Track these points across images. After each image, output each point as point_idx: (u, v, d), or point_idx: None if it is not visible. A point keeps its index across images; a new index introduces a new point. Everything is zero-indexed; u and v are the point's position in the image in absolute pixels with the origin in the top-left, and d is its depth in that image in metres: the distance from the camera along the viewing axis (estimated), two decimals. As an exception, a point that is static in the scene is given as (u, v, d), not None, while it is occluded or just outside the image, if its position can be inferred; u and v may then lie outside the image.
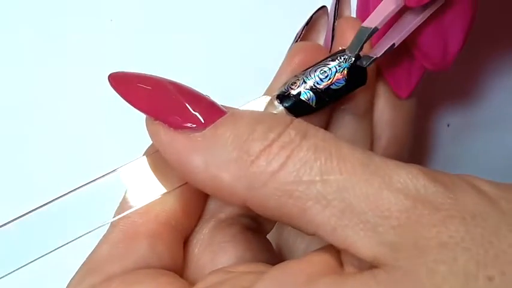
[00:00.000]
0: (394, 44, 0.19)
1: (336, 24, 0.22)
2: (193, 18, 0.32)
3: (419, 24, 0.19)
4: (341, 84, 0.19)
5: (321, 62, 0.19)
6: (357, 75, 0.19)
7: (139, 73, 0.18)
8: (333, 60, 0.19)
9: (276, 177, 0.15)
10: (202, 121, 0.16)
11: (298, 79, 0.19)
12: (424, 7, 0.18)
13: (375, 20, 0.18)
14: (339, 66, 0.19)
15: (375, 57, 0.18)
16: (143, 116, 0.31)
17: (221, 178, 0.15)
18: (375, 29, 0.18)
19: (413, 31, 0.19)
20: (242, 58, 0.31)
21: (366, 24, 0.18)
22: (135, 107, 0.17)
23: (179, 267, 0.18)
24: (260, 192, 0.15)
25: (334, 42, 0.22)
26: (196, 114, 0.16)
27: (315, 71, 0.19)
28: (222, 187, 0.16)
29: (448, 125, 0.31)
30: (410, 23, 0.19)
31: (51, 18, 0.32)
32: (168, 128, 0.16)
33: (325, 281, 0.14)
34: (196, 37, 0.32)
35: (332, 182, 0.14)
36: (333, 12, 0.23)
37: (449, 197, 0.14)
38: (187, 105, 0.16)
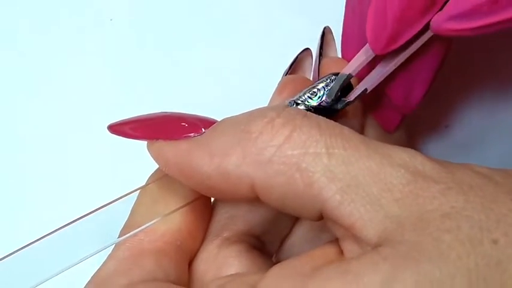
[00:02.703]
0: (366, 90, 0.20)
1: (321, 63, 0.23)
2: (193, 17, 0.32)
3: (389, 73, 0.20)
4: (330, 102, 0.20)
5: (310, 85, 0.20)
6: (344, 94, 0.20)
7: (133, 117, 0.19)
8: (320, 82, 0.20)
9: (281, 150, 0.15)
10: (203, 130, 0.17)
11: (289, 102, 0.20)
12: (393, 57, 0.20)
13: (350, 68, 0.20)
14: (327, 86, 0.20)
15: (347, 100, 0.20)
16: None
17: (227, 164, 0.15)
18: (350, 76, 0.20)
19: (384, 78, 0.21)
20: (243, 62, 0.31)
21: (343, 71, 0.20)
22: (142, 139, 0.18)
23: (185, 286, 0.18)
24: (267, 168, 0.15)
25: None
26: (196, 122, 0.17)
27: (304, 94, 0.20)
28: (229, 175, 0.16)
29: (446, 126, 0.31)
30: (382, 71, 0.20)
31: (51, 18, 0.32)
32: (169, 140, 0.17)
33: (330, 267, 0.14)
34: (196, 37, 0.32)
35: (337, 156, 0.14)
36: (318, 53, 0.24)
37: (446, 172, 0.14)
38: (184, 123, 0.17)
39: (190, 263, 0.19)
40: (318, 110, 0.19)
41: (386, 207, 0.14)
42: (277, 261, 0.20)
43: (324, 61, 0.23)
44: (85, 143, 0.30)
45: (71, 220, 0.17)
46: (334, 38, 0.25)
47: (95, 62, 0.31)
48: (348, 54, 0.23)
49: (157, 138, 0.17)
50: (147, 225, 0.18)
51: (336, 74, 0.20)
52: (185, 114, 0.18)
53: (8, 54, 0.31)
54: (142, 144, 0.19)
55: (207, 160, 0.16)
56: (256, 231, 0.19)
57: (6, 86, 0.31)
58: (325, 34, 0.25)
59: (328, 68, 0.22)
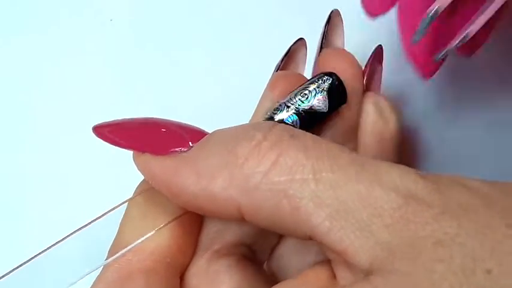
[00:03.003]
0: (467, 35, 0.18)
1: (320, 55, 0.22)
2: (193, 17, 0.32)
3: (495, 10, 0.18)
4: (322, 105, 0.19)
5: (301, 85, 0.19)
6: (337, 95, 0.19)
7: (117, 120, 0.18)
8: (312, 83, 0.19)
9: (268, 177, 0.15)
10: (190, 144, 0.16)
11: (280, 105, 0.19)
12: None
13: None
14: (318, 87, 0.19)
15: (446, 50, 0.18)
16: (145, 114, 0.31)
17: (214, 187, 0.15)
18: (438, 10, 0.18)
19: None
20: (243, 62, 0.31)
21: (435, 4, 0.18)
22: (126, 147, 0.17)
23: None
24: (254, 194, 0.15)
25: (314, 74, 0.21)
26: (183, 135, 0.17)
27: (296, 96, 0.19)
28: (215, 197, 0.15)
29: (448, 125, 0.31)
30: (486, 12, 0.19)
31: (51, 18, 0.32)
32: (155, 154, 0.16)
33: None
34: (196, 37, 0.32)
35: (325, 180, 0.14)
36: (320, 43, 0.22)
37: (440, 192, 0.14)
38: (170, 133, 0.17)
39: (181, 276, 0.18)
40: (309, 113, 0.19)
41: (376, 233, 0.13)
42: (268, 270, 0.21)
43: (322, 52, 0.21)
44: (84, 142, 0.30)
45: (53, 242, 0.17)
46: (343, 22, 0.23)
47: (94, 62, 0.31)
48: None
49: (143, 151, 0.17)
50: (135, 243, 0.17)
51: (329, 74, 0.19)
52: (173, 124, 0.17)
53: (7, 54, 0.31)
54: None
55: (194, 180, 0.16)
56: (246, 242, 0.19)
57: (5, 85, 0.31)
58: (332, 18, 0.22)
59: (326, 61, 0.21)
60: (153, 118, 0.17)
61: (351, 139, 0.21)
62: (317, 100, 0.19)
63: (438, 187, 0.14)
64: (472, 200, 0.14)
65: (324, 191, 0.14)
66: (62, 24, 0.32)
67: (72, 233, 0.17)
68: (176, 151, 0.16)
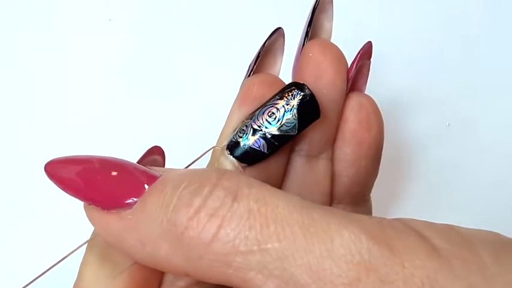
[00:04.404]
0: None
1: (303, 49, 0.19)
2: (192, 17, 0.32)
3: None
4: (292, 124, 0.17)
5: (269, 100, 0.18)
6: (308, 111, 0.17)
7: (67, 157, 0.16)
8: (281, 98, 0.17)
9: (210, 249, 0.14)
10: (146, 187, 0.15)
11: (246, 125, 0.17)
12: None
13: None
14: (288, 105, 0.17)
15: None
16: (144, 114, 0.31)
17: (158, 254, 0.15)
18: None
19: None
20: (243, 62, 0.31)
21: None
22: (70, 193, 0.16)
23: None
24: (198, 263, 0.14)
25: (295, 72, 0.19)
26: (141, 178, 0.16)
27: (263, 114, 0.17)
28: (162, 263, 0.15)
29: (448, 125, 0.31)
30: None
31: (51, 18, 0.32)
32: (101, 210, 0.16)
33: None
34: (195, 37, 0.32)
35: (271, 251, 0.13)
36: (304, 34, 0.19)
37: (395, 263, 0.13)
38: (125, 177, 0.16)
39: None
40: (278, 137, 0.17)
41: None
42: None
43: (306, 45, 0.19)
44: (82, 142, 0.30)
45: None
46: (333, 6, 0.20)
47: (93, 61, 0.31)
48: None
49: (89, 201, 0.16)
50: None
51: (300, 87, 0.17)
52: (124, 165, 0.16)
53: (6, 54, 0.31)
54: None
55: (139, 247, 0.15)
56: None
57: (4, 85, 0.31)
58: (320, 2, 0.19)
59: (309, 57, 0.18)
60: (111, 159, 0.16)
61: (327, 148, 0.20)
62: (286, 120, 0.17)
63: (395, 254, 0.13)
64: (431, 270, 0.13)
65: (271, 262, 0.13)
66: (61, 23, 0.32)
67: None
68: (123, 205, 0.15)
